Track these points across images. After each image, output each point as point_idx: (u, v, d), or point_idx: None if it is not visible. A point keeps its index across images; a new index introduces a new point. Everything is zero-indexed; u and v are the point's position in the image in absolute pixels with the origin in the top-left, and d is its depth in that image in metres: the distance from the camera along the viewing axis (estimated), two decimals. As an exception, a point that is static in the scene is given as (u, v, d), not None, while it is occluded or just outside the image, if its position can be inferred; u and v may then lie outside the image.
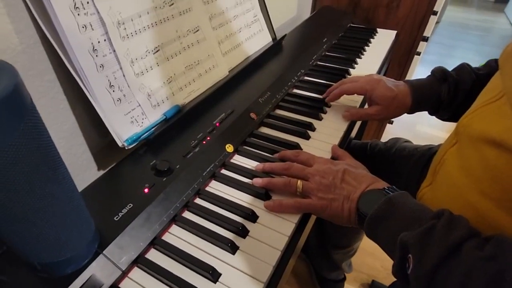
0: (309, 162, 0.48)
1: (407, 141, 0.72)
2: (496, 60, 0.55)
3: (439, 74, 0.57)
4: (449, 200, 0.34)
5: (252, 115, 0.59)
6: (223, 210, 0.44)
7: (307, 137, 0.57)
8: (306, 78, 0.74)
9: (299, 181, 0.45)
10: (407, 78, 1.25)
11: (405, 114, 0.61)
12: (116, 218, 0.39)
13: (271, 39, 0.80)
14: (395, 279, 0.55)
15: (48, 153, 0.26)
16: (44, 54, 0.40)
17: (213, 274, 0.36)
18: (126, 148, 0.47)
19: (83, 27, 0.40)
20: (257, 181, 0.47)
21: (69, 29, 0.38)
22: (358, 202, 0.41)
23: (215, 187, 0.48)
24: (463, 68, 0.56)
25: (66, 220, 0.30)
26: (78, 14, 0.39)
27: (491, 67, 0.55)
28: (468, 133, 0.38)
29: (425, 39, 1.14)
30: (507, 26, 3.24)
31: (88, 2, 0.40)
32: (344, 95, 0.66)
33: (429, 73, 0.60)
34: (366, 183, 0.42)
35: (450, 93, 0.55)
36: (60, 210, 0.28)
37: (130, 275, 0.37)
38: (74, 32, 0.39)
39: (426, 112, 0.61)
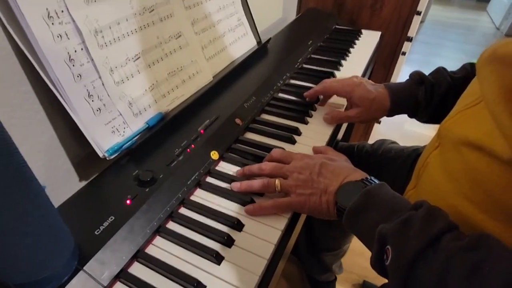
0: (287, 159, 0.48)
1: (393, 142, 0.72)
2: (471, 64, 0.57)
3: (416, 77, 0.59)
4: (433, 203, 0.34)
5: (237, 120, 0.58)
6: (208, 220, 0.43)
7: (293, 142, 0.56)
8: (291, 81, 0.74)
9: (277, 180, 0.45)
10: (393, 78, 1.26)
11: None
12: (97, 232, 0.38)
13: (256, 43, 0.79)
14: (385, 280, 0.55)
15: (19, 172, 0.25)
16: (18, 65, 0.39)
17: (197, 287, 0.35)
18: (108, 158, 0.46)
19: (58, 37, 0.39)
20: (236, 186, 0.46)
21: (42, 39, 0.37)
22: (336, 195, 0.41)
23: (200, 196, 0.47)
24: (439, 71, 0.58)
25: (41, 239, 0.29)
26: (52, 24, 0.38)
27: (467, 71, 0.57)
28: (449, 136, 0.38)
29: (410, 39, 1.15)
30: (489, 24, 3.32)
31: (63, 11, 0.39)
32: (330, 99, 0.66)
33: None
34: (343, 175, 0.42)
35: (426, 95, 0.57)
36: (33, 229, 0.27)
37: (112, 291, 0.36)
38: (48, 42, 0.38)
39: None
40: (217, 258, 0.38)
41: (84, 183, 0.50)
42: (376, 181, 0.40)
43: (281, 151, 0.50)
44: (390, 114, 0.59)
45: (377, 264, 0.34)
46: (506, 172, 0.30)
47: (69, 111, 0.41)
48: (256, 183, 0.45)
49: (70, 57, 0.40)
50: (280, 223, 0.43)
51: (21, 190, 0.25)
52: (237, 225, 0.42)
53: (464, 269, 0.27)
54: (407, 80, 0.60)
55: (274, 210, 0.44)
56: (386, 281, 0.54)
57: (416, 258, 0.30)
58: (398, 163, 0.64)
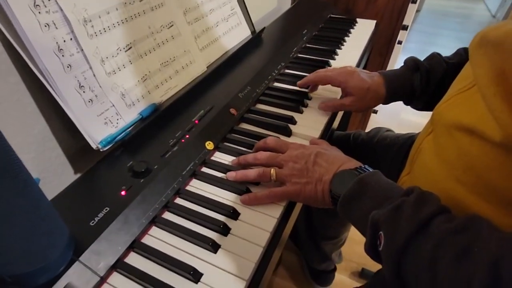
0: (282, 148, 0.48)
1: (389, 130, 0.72)
2: (465, 49, 0.56)
3: (411, 63, 0.58)
4: (426, 188, 0.34)
5: (232, 110, 0.58)
6: (204, 209, 0.43)
7: (289, 131, 0.56)
8: (286, 71, 0.74)
9: (272, 169, 0.44)
10: (389, 67, 1.25)
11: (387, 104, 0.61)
12: (92, 223, 0.38)
13: (250, 33, 0.78)
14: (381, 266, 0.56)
15: (5, 161, 0.24)
16: (6, 55, 0.38)
17: (194, 275, 0.36)
18: (101, 150, 0.45)
19: (45, 26, 0.38)
20: (231, 175, 0.46)
21: (29, 28, 0.36)
22: (331, 184, 0.41)
23: (196, 186, 0.47)
24: (434, 57, 0.57)
25: (34, 230, 0.29)
26: (39, 12, 0.37)
27: (461, 56, 0.56)
28: (442, 121, 0.38)
29: (405, 28, 1.14)
30: (485, 12, 3.30)
31: (49, 0, 0.38)
32: (324, 87, 0.66)
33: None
34: (337, 163, 0.43)
35: (422, 82, 0.56)
36: (24, 221, 0.27)
37: (109, 280, 0.36)
38: (36, 32, 0.37)
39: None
40: (213, 247, 0.38)
41: (79, 175, 0.50)
42: (370, 169, 0.40)
43: (276, 139, 0.49)
44: (386, 101, 0.59)
45: (371, 250, 0.35)
46: (498, 154, 0.30)
47: (60, 102, 0.41)
48: (252, 173, 0.45)
49: (59, 47, 0.40)
50: (275, 211, 0.43)
51: (8, 180, 0.25)
52: (233, 214, 0.42)
53: (453, 252, 0.27)
54: (402, 66, 0.59)
55: (270, 200, 0.44)
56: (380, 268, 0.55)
57: (407, 243, 0.30)
58: (394, 150, 0.64)
